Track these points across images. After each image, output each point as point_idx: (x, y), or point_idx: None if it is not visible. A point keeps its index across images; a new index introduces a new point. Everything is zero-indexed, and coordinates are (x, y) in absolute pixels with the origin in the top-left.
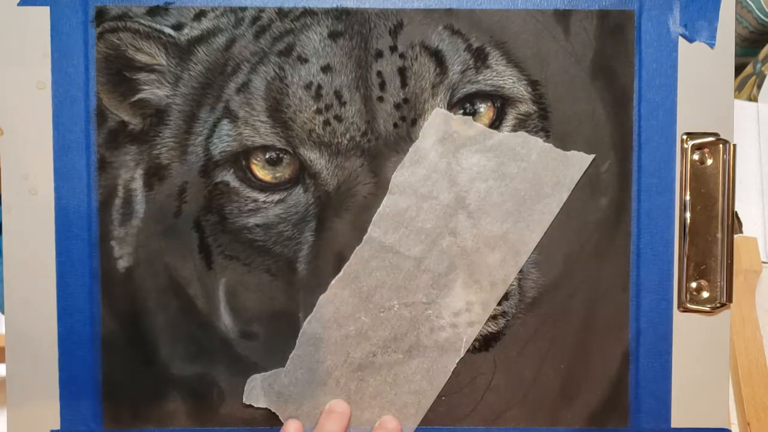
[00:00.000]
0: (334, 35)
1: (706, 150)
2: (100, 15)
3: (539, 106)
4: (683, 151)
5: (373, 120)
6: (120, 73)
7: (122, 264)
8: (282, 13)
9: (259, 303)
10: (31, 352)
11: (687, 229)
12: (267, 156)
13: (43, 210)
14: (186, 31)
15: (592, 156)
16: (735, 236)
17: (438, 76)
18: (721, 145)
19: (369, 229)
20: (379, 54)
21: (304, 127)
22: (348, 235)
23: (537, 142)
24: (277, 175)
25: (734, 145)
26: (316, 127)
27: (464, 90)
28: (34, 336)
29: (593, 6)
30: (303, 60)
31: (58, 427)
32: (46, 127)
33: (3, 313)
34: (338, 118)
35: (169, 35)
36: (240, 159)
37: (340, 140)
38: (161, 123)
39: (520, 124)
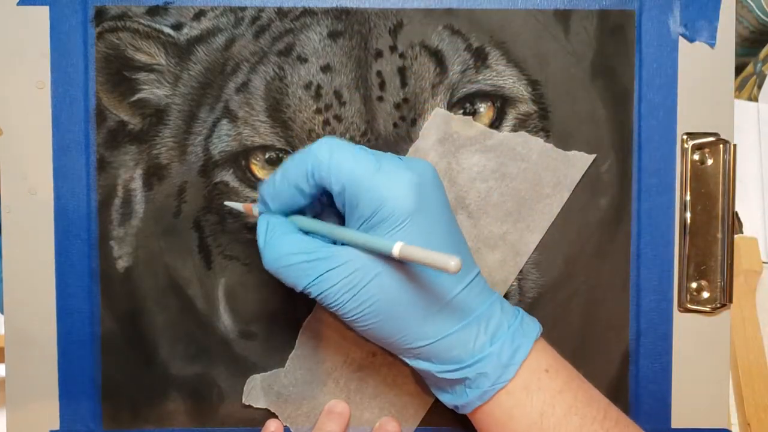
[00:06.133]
0: (333, 35)
1: (706, 150)
2: (100, 15)
3: (539, 106)
4: (683, 151)
5: (373, 120)
6: (119, 73)
7: (122, 264)
8: (281, 13)
9: (258, 303)
10: (30, 352)
11: (687, 229)
12: (266, 156)
13: (43, 210)
14: (185, 30)
15: (593, 156)
16: (735, 236)
17: (438, 76)
18: (721, 145)
19: None
20: (379, 54)
21: (304, 127)
22: None
23: (537, 143)
24: None
25: (734, 145)
26: (316, 127)
27: (464, 90)
28: (34, 336)
29: (593, 6)
30: (303, 60)
31: (57, 427)
32: (46, 127)
33: (2, 313)
34: (338, 118)
35: (169, 35)
36: (239, 159)
37: None
38: (161, 123)
39: (520, 124)
